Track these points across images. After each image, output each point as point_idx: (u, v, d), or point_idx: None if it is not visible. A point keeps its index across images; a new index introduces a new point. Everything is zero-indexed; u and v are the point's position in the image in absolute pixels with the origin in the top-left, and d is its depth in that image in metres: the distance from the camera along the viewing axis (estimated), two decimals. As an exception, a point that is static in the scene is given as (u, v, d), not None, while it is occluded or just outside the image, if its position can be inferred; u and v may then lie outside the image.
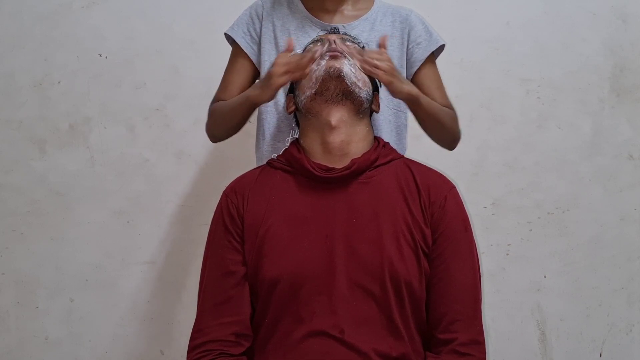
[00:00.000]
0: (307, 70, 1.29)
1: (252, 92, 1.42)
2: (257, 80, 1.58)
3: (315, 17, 1.56)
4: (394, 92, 1.36)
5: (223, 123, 1.53)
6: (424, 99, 1.42)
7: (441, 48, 1.59)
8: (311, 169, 1.28)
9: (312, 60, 1.28)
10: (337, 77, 1.27)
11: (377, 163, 1.31)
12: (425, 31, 1.57)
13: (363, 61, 1.30)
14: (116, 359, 2.05)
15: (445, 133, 1.53)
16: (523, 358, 2.10)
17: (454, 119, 1.54)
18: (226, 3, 1.91)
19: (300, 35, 1.54)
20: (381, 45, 1.34)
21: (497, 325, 2.08)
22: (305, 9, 1.57)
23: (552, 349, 2.10)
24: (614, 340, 2.11)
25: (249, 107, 1.45)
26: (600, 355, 2.11)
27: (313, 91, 1.29)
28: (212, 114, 1.56)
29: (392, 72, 1.33)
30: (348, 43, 1.36)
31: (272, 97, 1.37)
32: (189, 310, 1.30)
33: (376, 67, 1.30)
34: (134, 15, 2.06)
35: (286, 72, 1.30)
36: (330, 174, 1.27)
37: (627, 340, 2.11)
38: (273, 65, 1.33)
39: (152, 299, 2.06)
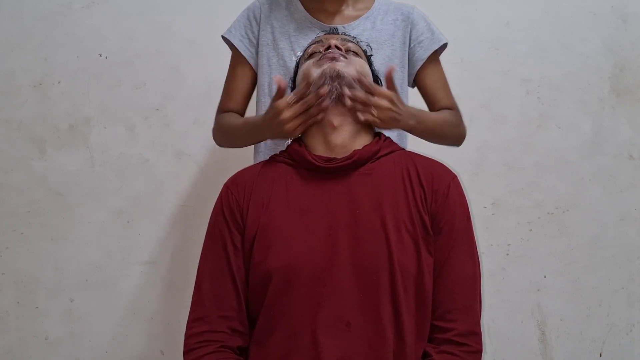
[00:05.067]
0: (320, 117, 1.28)
1: (266, 134, 1.40)
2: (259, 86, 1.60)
3: (315, 18, 1.55)
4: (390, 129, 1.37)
5: (233, 142, 1.57)
6: (420, 125, 1.41)
7: (444, 46, 1.58)
8: (312, 159, 1.28)
9: (322, 97, 1.27)
10: (337, 78, 1.27)
11: (379, 155, 1.31)
12: (428, 29, 1.57)
13: (363, 105, 1.28)
14: (116, 359, 2.05)
15: (445, 141, 1.55)
16: (523, 358, 2.10)
17: (456, 124, 1.54)
18: (226, 3, 1.91)
19: (300, 37, 1.54)
20: (388, 80, 1.31)
21: (497, 325, 2.08)
22: (304, 10, 1.56)
23: (552, 349, 2.10)
24: (614, 340, 2.11)
25: (263, 140, 1.50)
26: (600, 355, 2.11)
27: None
28: (222, 129, 1.57)
29: (390, 122, 1.32)
30: (349, 44, 1.36)
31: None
32: (189, 310, 1.30)
33: (373, 116, 1.29)
34: (134, 15, 2.06)
35: (299, 124, 1.29)
36: (331, 164, 1.27)
37: (627, 340, 2.11)
38: (281, 122, 1.29)
39: (152, 299, 2.06)
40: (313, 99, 1.27)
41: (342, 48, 1.32)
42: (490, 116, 2.10)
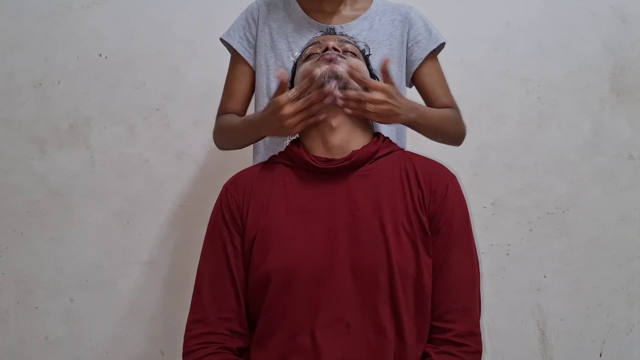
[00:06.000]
0: (322, 117, 1.27)
1: (264, 130, 1.37)
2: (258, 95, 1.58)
3: (312, 18, 1.55)
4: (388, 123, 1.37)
5: (233, 143, 1.54)
6: (421, 119, 1.40)
7: (441, 46, 1.58)
8: (310, 160, 1.28)
9: (323, 96, 1.26)
10: (336, 79, 1.27)
11: (377, 155, 1.31)
12: (425, 29, 1.57)
13: (357, 103, 1.27)
14: (116, 359, 2.05)
15: (447, 138, 1.54)
16: (523, 358, 2.10)
17: (457, 121, 1.54)
18: (226, 3, 1.91)
19: (298, 38, 1.54)
20: (383, 72, 1.30)
21: (497, 325, 2.08)
22: (302, 11, 1.56)
23: (552, 349, 2.10)
24: (614, 340, 2.11)
25: (261, 137, 1.46)
26: (600, 355, 2.11)
27: None
28: (222, 130, 1.55)
29: (388, 116, 1.30)
30: (347, 45, 1.36)
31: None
32: (188, 310, 1.31)
33: (367, 112, 1.28)
34: (134, 15, 2.06)
35: (300, 121, 1.28)
36: (329, 165, 1.27)
37: (627, 340, 2.11)
38: (282, 117, 1.26)
39: (152, 299, 2.06)
40: (316, 96, 1.26)
41: (340, 49, 1.32)
42: (490, 116, 2.10)
